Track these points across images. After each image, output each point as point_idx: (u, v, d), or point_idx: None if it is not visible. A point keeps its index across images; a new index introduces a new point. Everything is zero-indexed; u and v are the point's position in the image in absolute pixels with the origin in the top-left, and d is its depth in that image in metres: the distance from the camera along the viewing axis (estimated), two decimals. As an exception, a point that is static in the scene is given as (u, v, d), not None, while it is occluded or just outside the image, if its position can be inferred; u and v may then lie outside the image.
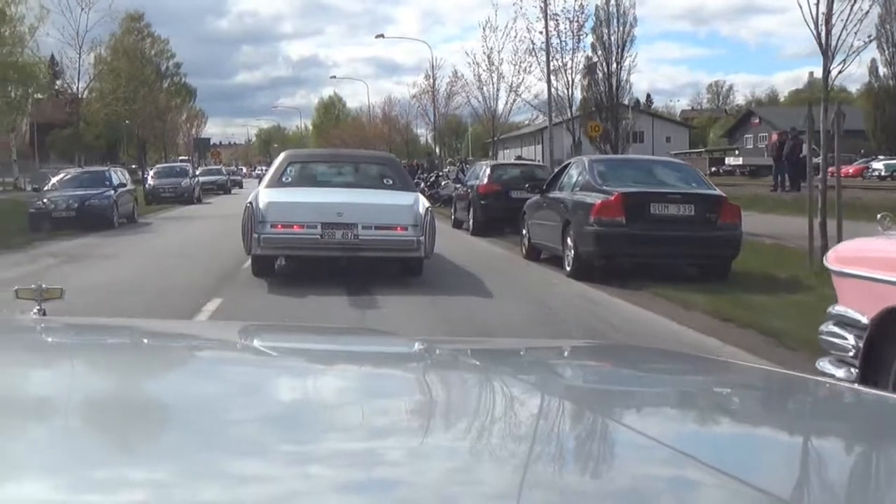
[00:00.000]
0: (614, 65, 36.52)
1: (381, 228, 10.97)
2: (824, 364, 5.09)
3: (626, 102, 39.77)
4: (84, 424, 1.27)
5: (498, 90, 35.57)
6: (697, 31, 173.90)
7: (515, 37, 35.78)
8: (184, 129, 77.45)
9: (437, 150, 50.58)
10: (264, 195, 11.29)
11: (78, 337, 2.10)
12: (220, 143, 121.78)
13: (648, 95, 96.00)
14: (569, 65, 31.96)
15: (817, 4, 11.65)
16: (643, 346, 3.85)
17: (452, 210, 23.10)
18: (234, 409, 1.37)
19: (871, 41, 15.04)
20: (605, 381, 1.91)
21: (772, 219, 21.46)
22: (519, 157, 44.27)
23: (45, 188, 24.77)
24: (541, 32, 29.32)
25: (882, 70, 54.70)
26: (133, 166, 56.15)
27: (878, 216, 5.48)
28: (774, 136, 69.86)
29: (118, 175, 25.72)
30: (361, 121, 79.03)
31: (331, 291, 10.63)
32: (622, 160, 15.48)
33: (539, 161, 35.23)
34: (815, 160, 12.79)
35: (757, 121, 79.62)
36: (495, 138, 36.23)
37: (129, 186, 26.35)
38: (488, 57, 35.04)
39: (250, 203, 11.09)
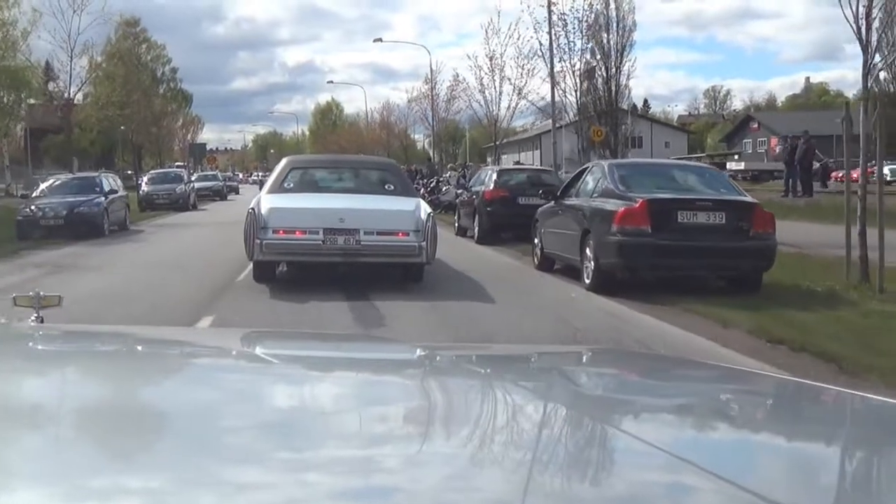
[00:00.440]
0: (613, 69, 35.85)
1: (383, 234, 10.91)
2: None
3: (624, 107, 38.91)
4: (81, 432, 1.28)
5: (500, 94, 34.62)
6: (694, 37, 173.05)
7: (519, 39, 34.94)
8: (179, 134, 76.48)
9: (435, 156, 49.59)
10: (266, 201, 11.23)
11: (76, 345, 2.09)
12: (217, 148, 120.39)
13: (646, 101, 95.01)
14: (577, 66, 31.04)
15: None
16: (645, 352, 3.82)
17: (456, 217, 22.13)
18: (232, 417, 1.40)
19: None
20: (606, 386, 1.93)
21: (788, 226, 20.40)
22: (517, 163, 43.34)
23: (34, 195, 23.77)
24: (549, 32, 28.40)
25: (882, 74, 53.73)
26: (129, 172, 55.15)
27: None
28: (774, 141, 69.40)
29: (109, 181, 24.71)
30: (359, 126, 78.15)
31: (332, 297, 10.45)
32: (645, 164, 14.50)
33: (537, 167, 34.24)
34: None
35: (756, 126, 79.00)
36: (497, 143, 35.26)
37: (121, 193, 25.36)
38: (490, 59, 34.08)
39: (252, 209, 11.03)
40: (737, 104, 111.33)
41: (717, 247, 10.75)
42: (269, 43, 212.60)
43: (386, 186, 12.10)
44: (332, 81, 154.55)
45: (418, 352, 2.21)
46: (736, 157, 68.25)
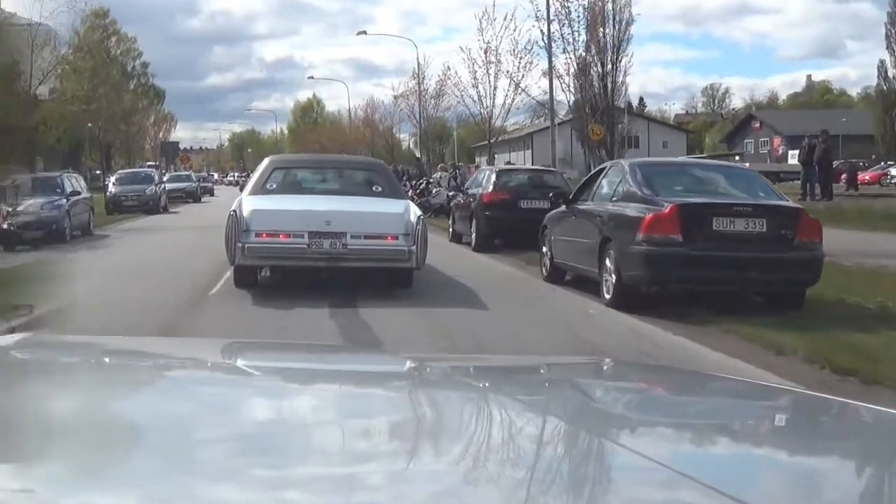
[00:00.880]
0: (609, 65, 35.19)
1: (371, 238, 10.90)
2: None
3: (620, 105, 38.23)
4: (51, 447, 1.28)
5: (495, 88, 33.58)
6: (690, 33, 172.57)
7: (515, 30, 34.04)
8: (151, 132, 75.22)
9: (421, 155, 48.53)
10: (248, 203, 11.18)
11: (48, 355, 2.09)
12: (191, 147, 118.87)
13: (641, 98, 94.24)
14: (573, 61, 30.17)
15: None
16: (650, 364, 3.89)
17: (450, 222, 21.13)
18: (208, 431, 1.42)
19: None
20: (607, 400, 1.95)
21: (811, 232, 19.56)
22: (508, 163, 42.46)
23: (-12, 196, 22.63)
24: (547, 21, 27.53)
25: (891, 72, 53.12)
26: (97, 172, 53.91)
27: None
28: (777, 141, 68.91)
29: (72, 182, 23.63)
30: (341, 124, 77.05)
31: (316, 304, 10.24)
32: (671, 164, 13.55)
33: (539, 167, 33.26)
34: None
35: (758, 125, 78.51)
36: (492, 140, 34.25)
37: (85, 195, 24.28)
38: (485, 52, 33.05)
39: (234, 211, 10.98)
40: (736, 103, 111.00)
41: (757, 258, 9.82)
42: (246, 37, 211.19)
43: (373, 188, 12.03)
44: (312, 77, 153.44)
45: (408, 363, 2.23)
46: (737, 157, 67.55)
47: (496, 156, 53.21)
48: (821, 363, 7.51)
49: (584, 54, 34.32)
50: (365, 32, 62.46)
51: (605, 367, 2.53)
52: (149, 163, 65.08)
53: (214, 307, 10.44)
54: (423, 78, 45.26)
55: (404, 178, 34.56)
